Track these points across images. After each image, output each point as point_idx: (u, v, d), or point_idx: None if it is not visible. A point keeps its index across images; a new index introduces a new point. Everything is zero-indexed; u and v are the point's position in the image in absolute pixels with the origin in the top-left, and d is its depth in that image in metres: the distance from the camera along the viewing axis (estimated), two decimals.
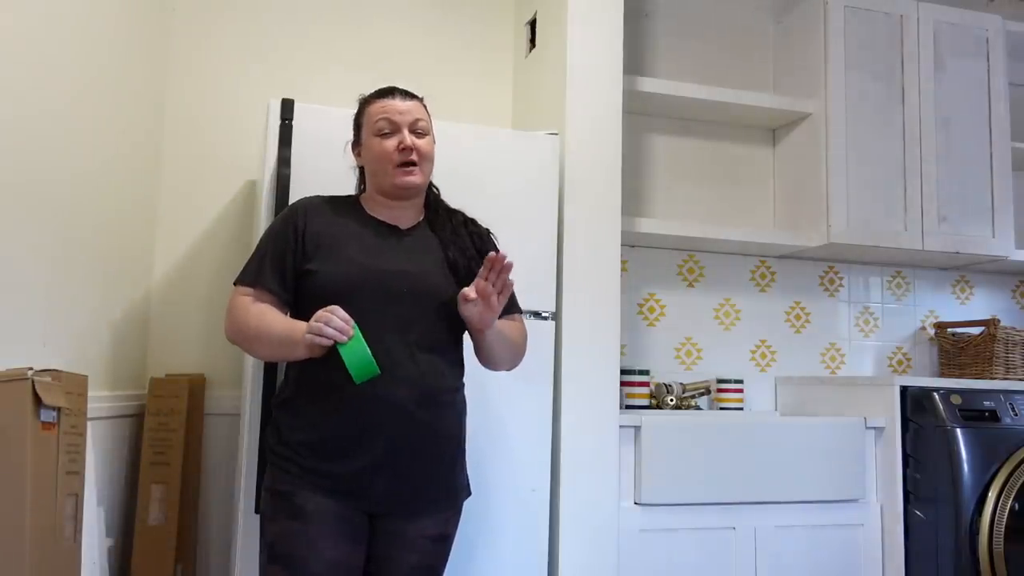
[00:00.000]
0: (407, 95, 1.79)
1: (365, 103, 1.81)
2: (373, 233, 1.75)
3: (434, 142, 1.81)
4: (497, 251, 1.86)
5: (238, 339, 1.72)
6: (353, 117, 1.84)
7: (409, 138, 1.72)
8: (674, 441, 2.40)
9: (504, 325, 1.77)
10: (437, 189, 1.90)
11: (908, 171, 2.98)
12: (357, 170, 1.88)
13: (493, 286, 1.63)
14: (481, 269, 1.64)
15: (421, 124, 1.76)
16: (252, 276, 1.72)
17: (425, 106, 1.82)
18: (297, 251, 1.71)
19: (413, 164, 1.73)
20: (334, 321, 1.53)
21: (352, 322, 1.55)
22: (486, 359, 1.79)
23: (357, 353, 1.52)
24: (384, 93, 1.79)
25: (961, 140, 3.05)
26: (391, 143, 1.73)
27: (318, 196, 1.83)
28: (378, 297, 1.65)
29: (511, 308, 1.84)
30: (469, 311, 1.65)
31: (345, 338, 1.53)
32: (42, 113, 1.77)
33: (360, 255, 1.70)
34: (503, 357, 1.79)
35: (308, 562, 1.57)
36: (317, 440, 1.64)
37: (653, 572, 2.36)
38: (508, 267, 1.63)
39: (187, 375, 2.47)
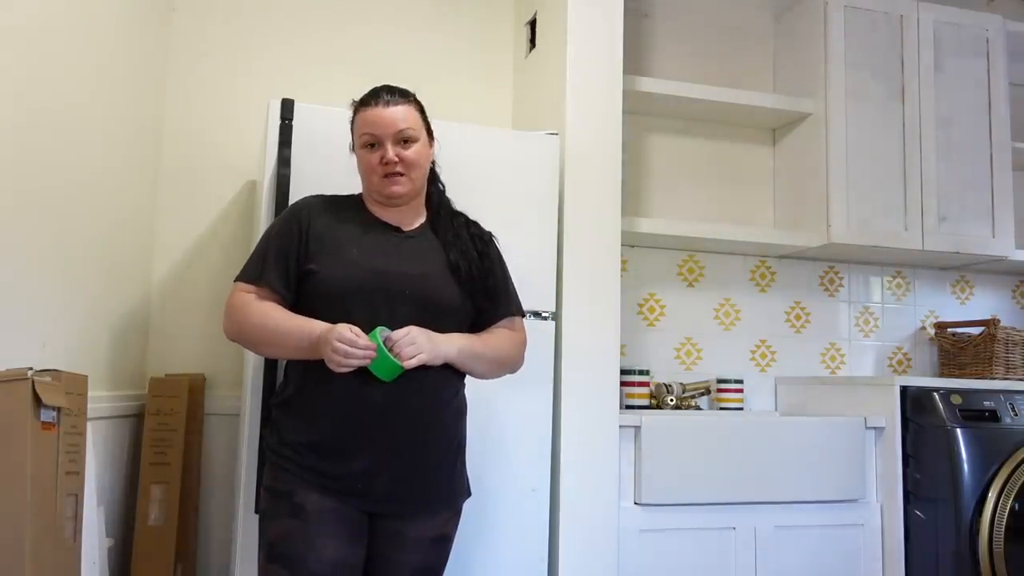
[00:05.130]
0: (394, 98, 1.73)
1: (355, 110, 1.78)
2: (375, 234, 1.75)
3: (430, 142, 1.79)
4: (499, 252, 1.86)
5: (240, 338, 1.71)
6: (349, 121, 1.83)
7: (392, 151, 1.70)
8: (674, 441, 2.40)
9: (484, 341, 1.76)
10: (443, 185, 1.88)
11: (908, 171, 2.98)
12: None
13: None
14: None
15: (407, 131, 1.72)
16: (255, 274, 1.70)
17: (419, 105, 1.78)
18: (300, 250, 1.70)
19: (398, 174, 1.72)
20: (356, 353, 1.56)
21: (369, 341, 1.56)
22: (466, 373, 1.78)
23: (383, 363, 1.58)
24: (370, 99, 1.74)
25: (961, 140, 3.05)
26: (375, 157, 1.72)
27: (320, 195, 1.83)
28: (379, 298, 1.65)
29: (507, 311, 1.83)
30: None
31: (370, 360, 1.57)
32: (41, 113, 1.77)
33: (362, 257, 1.69)
34: (480, 372, 1.78)
35: (307, 561, 1.57)
36: (318, 441, 1.64)
37: (653, 572, 2.36)
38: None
39: (187, 375, 2.47)
